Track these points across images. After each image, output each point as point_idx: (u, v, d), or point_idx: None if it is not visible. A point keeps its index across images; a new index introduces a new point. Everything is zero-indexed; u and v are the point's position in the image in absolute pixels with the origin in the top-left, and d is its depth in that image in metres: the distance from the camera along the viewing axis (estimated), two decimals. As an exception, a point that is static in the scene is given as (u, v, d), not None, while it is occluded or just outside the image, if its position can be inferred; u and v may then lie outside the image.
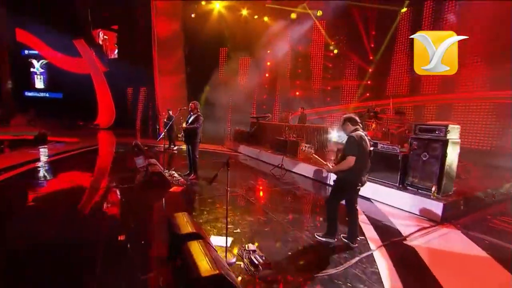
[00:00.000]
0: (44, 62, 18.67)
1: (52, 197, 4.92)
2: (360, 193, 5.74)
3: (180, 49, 14.57)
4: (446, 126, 4.60)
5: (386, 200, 5.28)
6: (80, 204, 4.61)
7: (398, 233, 3.97)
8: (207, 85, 15.19)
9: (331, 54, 14.15)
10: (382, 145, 5.60)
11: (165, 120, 10.65)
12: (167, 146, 10.52)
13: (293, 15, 13.87)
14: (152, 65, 14.39)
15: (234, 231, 3.75)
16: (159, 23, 13.98)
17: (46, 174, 6.54)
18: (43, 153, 9.06)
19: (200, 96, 14.67)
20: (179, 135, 6.41)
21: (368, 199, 5.52)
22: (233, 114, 15.48)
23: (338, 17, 13.06)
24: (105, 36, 18.30)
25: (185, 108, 6.48)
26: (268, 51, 14.92)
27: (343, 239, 3.62)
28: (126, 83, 16.23)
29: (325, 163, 3.59)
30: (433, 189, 4.60)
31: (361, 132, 3.38)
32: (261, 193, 5.85)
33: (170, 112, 10.57)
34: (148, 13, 13.89)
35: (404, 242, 3.71)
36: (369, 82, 13.18)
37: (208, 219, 4.14)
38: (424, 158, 4.85)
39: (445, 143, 4.58)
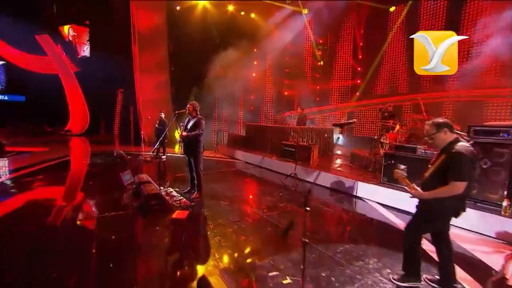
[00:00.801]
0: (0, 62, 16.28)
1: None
2: (397, 205, 4.90)
3: (163, 45, 13.11)
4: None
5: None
6: (44, 261, 3.29)
7: (486, 266, 3.12)
8: (193, 85, 13.88)
9: (320, 53, 13.68)
10: (424, 151, 4.80)
11: (156, 125, 9.30)
12: (154, 154, 9.17)
13: (305, 11, 13.04)
14: (131, 63, 12.82)
15: (284, 281, 2.67)
16: (140, 16, 12.48)
17: None
18: None
19: (185, 97, 13.33)
20: (177, 145, 5.20)
21: (407, 212, 4.67)
22: (221, 116, 14.39)
23: (327, 14, 12.68)
24: (74, 33, 16.32)
25: (182, 110, 5.29)
26: (255, 50, 14.02)
27: (431, 284, 2.68)
28: (101, 84, 14.40)
29: (414, 187, 2.64)
30: (505, 203, 3.82)
31: (465, 143, 2.45)
32: (285, 214, 4.80)
33: (163, 116, 9.25)
34: (126, 5, 12.35)
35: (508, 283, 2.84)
36: (358, 81, 12.84)
37: (241, 264, 3.01)
38: (484, 166, 4.07)
39: (514, 147, 3.83)
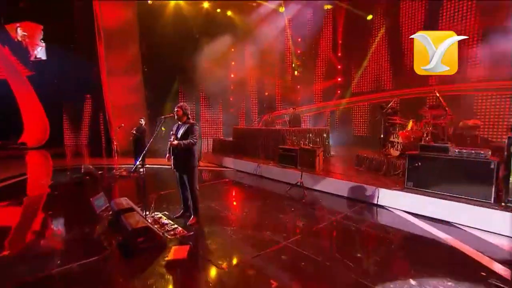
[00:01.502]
0: None
1: None
2: (432, 214, 4.17)
3: (134, 44, 11.72)
4: None
5: (475, 223, 3.87)
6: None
7: None
8: (170, 87, 12.63)
9: (299, 52, 13.31)
10: (460, 150, 4.20)
11: (133, 131, 8.00)
12: (131, 167, 7.88)
13: (282, 9, 12.44)
14: (97, 64, 11.27)
15: None
16: (105, 10, 10.98)
17: None
18: None
19: (162, 101, 12.05)
20: (167, 160, 4.14)
21: (446, 222, 4.06)
22: (201, 121, 13.33)
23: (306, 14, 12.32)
24: (24, 32, 14.20)
25: (170, 115, 4.24)
26: (233, 49, 13.17)
27: None
28: (64, 89, 12.59)
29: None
30: None
31: None
32: (310, 238, 3.92)
33: (143, 122, 8.01)
34: (88, -2, 10.82)
35: None
36: (339, 79, 12.65)
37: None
38: (536, 166, 3.54)
39: None
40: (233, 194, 6.08)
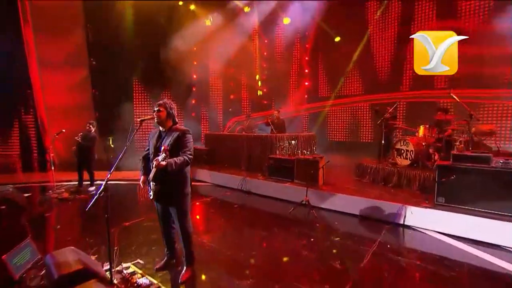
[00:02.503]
0: None
1: None
2: (475, 235, 3.53)
3: (78, 30, 9.44)
4: None
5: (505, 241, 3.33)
6: None
7: None
8: (125, 87, 10.59)
9: (265, 54, 12.44)
10: (504, 161, 3.65)
11: (78, 139, 6.10)
12: (72, 186, 5.99)
13: (247, 8, 11.48)
14: (23, 53, 8.74)
15: None
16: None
17: None
18: None
19: (114, 102, 9.94)
20: (151, 186, 2.72)
21: (495, 245, 3.44)
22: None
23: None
24: None
25: (149, 118, 2.84)
26: (195, 48, 11.82)
27: None
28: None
29: None
30: None
31: None
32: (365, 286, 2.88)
33: (92, 128, 6.17)
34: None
35: None
36: (307, 83, 12.15)
37: None
38: None
39: None
40: (224, 220, 4.77)
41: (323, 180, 5.51)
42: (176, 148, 2.64)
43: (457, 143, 4.46)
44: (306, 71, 12.14)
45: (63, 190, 6.20)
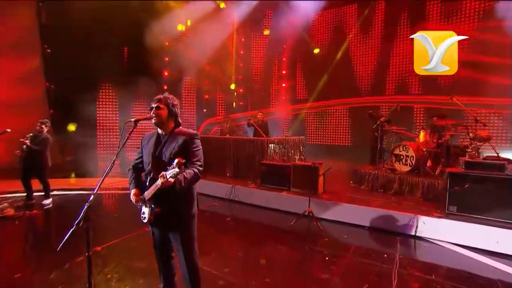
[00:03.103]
0: None
1: None
2: (490, 246, 3.40)
3: (28, 11, 7.93)
4: None
5: None
6: None
7: None
8: (86, 80, 9.17)
9: (242, 52, 11.94)
10: (515, 168, 3.58)
11: (25, 141, 4.91)
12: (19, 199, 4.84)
13: (222, 5, 10.88)
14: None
15: None
16: None
17: None
18: None
19: (74, 98, 8.51)
20: (143, 205, 2.02)
21: (491, 252, 3.33)
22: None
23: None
24: None
25: (145, 117, 2.12)
26: (167, 43, 10.92)
27: None
28: None
29: None
30: None
31: None
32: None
33: (45, 129, 5.04)
34: None
35: None
36: (284, 85, 11.96)
37: None
38: None
39: None
40: (219, 236, 4.11)
41: (323, 188, 5.12)
42: (182, 157, 1.98)
43: (469, 150, 4.38)
44: (284, 72, 11.89)
45: (7, 205, 4.96)
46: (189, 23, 10.71)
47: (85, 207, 1.69)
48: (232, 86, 12.03)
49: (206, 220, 4.68)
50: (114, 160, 1.90)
